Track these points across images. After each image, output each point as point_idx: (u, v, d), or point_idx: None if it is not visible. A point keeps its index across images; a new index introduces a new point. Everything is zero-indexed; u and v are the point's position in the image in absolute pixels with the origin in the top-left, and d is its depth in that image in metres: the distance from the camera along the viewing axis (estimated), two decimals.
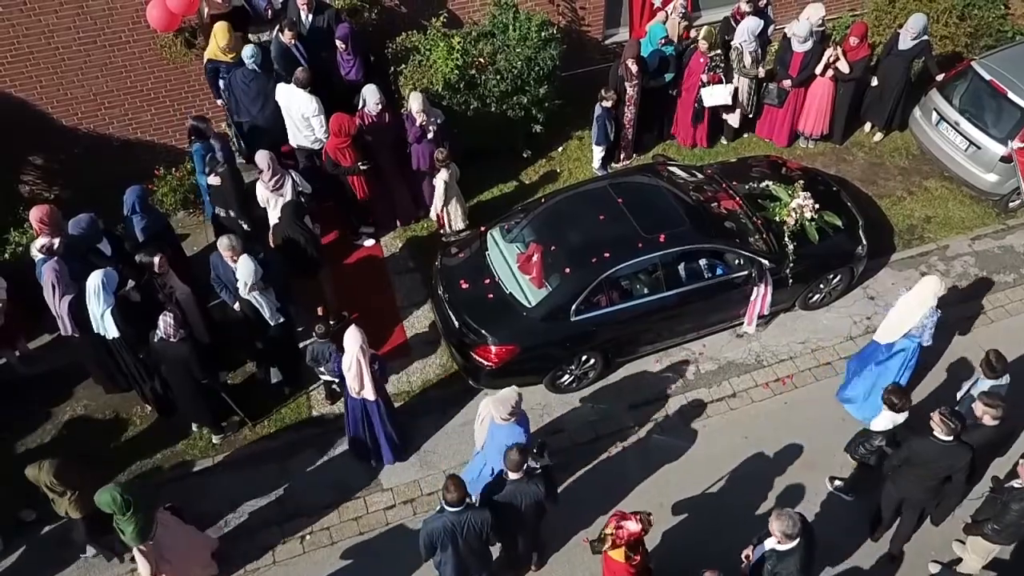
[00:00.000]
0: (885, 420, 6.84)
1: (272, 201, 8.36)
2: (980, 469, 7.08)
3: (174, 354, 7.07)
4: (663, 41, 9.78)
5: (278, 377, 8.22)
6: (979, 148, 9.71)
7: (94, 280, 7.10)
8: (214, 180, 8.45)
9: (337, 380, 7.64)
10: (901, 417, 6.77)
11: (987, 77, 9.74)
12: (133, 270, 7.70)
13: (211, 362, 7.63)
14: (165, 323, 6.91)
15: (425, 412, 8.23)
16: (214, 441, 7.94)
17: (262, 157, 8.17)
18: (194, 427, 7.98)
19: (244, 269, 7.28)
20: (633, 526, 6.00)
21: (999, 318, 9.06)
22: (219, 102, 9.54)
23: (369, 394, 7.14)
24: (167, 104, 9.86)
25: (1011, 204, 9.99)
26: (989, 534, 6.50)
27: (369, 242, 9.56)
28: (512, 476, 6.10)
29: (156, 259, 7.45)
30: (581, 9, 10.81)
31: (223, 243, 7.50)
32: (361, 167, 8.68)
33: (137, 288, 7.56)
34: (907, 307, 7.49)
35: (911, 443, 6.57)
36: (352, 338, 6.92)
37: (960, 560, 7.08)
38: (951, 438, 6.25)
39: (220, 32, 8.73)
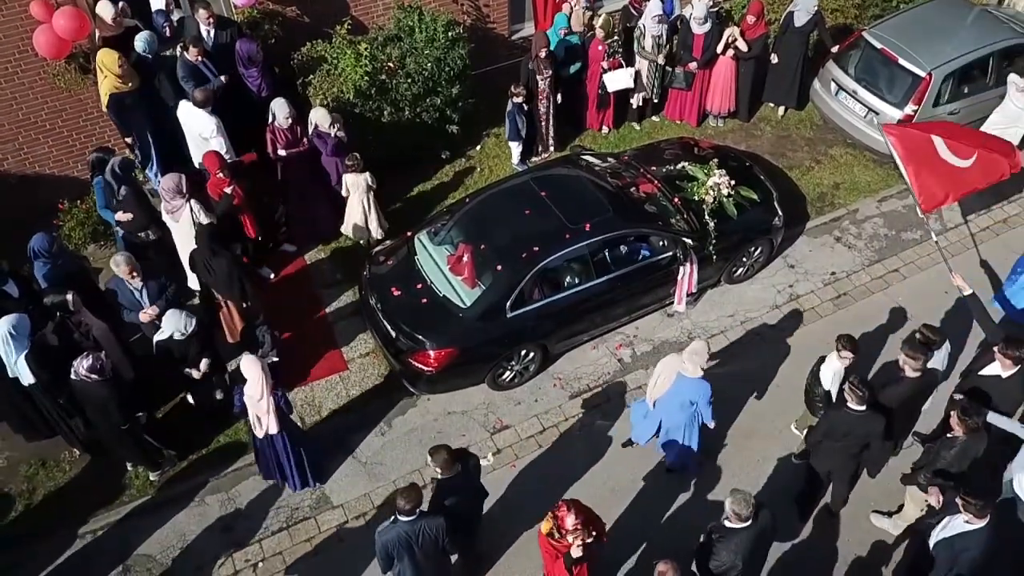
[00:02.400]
0: (831, 368, 7.04)
1: (170, 220, 8.13)
2: (908, 422, 7.37)
3: (94, 395, 6.77)
4: (564, 31, 9.89)
5: (222, 395, 7.92)
6: (877, 114, 10.14)
7: (2, 327, 6.76)
8: (123, 216, 8.16)
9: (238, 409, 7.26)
10: (842, 364, 6.94)
11: (878, 46, 10.19)
12: (45, 311, 7.35)
13: (136, 399, 7.33)
14: (83, 364, 6.60)
15: (368, 424, 8.13)
16: (151, 478, 7.66)
17: (166, 181, 7.92)
18: (129, 465, 7.68)
19: (172, 322, 7.09)
20: (570, 521, 5.92)
21: (911, 274, 9.50)
22: (127, 140, 9.17)
23: (272, 426, 6.85)
24: (65, 135, 9.45)
25: None
26: (922, 483, 6.75)
27: (271, 275, 9.28)
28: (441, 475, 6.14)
29: (68, 297, 7.13)
30: (485, 7, 10.83)
31: (118, 261, 7.21)
32: (227, 191, 8.15)
33: (53, 330, 7.22)
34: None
35: (828, 416, 6.81)
36: (252, 368, 6.59)
37: (901, 508, 7.36)
38: (863, 407, 6.44)
39: (109, 63, 8.27)
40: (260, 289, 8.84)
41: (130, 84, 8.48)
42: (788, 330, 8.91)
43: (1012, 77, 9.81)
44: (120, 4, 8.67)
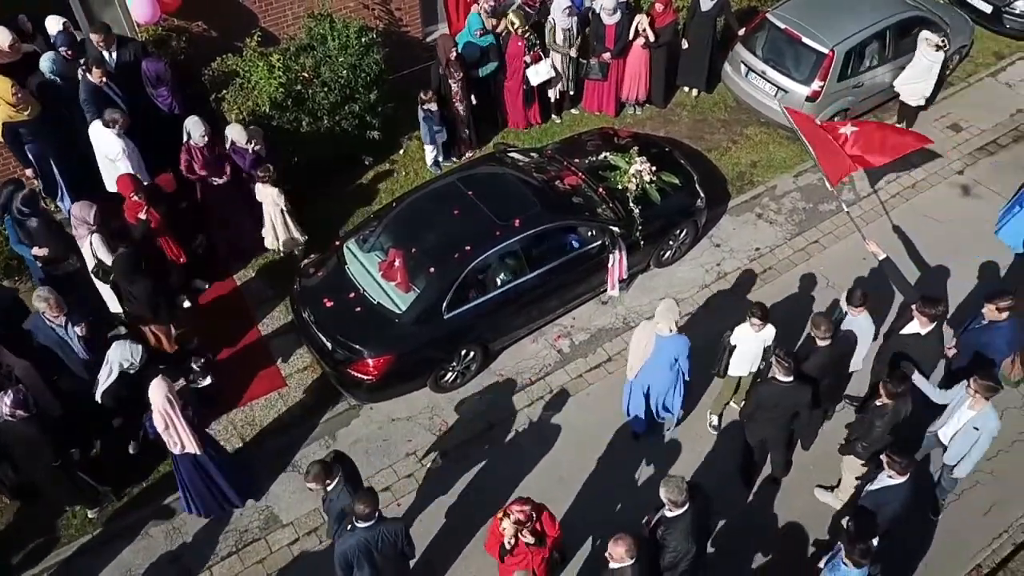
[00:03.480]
0: (742, 333, 7.25)
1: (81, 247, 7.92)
2: (835, 389, 7.64)
3: (20, 435, 6.50)
4: (480, 32, 9.92)
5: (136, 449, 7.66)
6: (787, 92, 10.48)
7: None
8: (39, 252, 7.88)
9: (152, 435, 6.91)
10: (753, 331, 7.16)
11: (782, 26, 10.52)
12: None
13: (66, 436, 7.07)
14: (4, 402, 6.32)
15: (311, 439, 8.03)
16: (90, 516, 7.41)
17: (75, 209, 7.69)
18: (66, 506, 7.42)
19: (117, 354, 6.88)
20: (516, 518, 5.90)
21: (830, 244, 9.85)
22: (28, 172, 8.82)
23: (192, 447, 6.66)
24: None
25: None
26: (860, 452, 7.02)
27: (205, 286, 9.11)
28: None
29: None
30: (397, 10, 10.78)
31: (39, 297, 6.95)
32: (142, 216, 7.88)
33: None
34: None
35: (757, 390, 7.05)
36: (156, 391, 6.37)
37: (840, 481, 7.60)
38: (790, 378, 6.67)
39: (3, 91, 7.94)
40: (189, 312, 8.67)
41: (27, 113, 8.15)
42: (719, 307, 9.15)
43: (924, 34, 10.30)
44: (21, 19, 8.31)
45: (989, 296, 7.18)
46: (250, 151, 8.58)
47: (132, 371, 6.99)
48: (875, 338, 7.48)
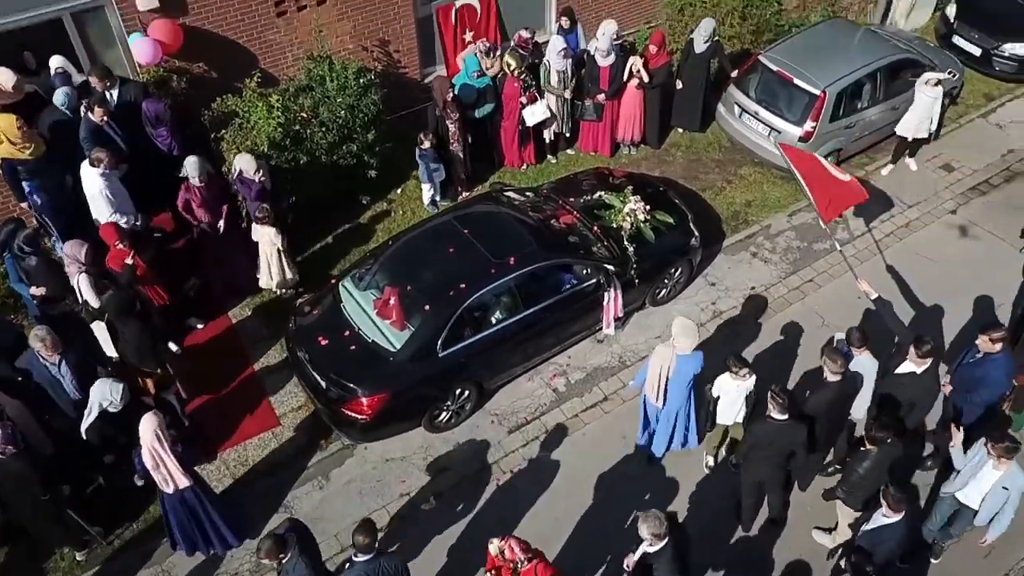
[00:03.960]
0: (724, 384, 7.21)
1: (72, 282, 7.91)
2: (834, 430, 7.51)
3: (9, 471, 6.43)
4: (477, 74, 10.06)
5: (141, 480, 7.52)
6: (780, 132, 10.60)
7: None
8: (37, 291, 7.89)
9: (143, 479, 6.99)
10: (736, 383, 7.12)
11: (774, 68, 10.69)
12: None
13: (56, 474, 6.98)
14: None
15: (305, 479, 7.96)
16: (78, 558, 7.31)
17: (67, 247, 7.68)
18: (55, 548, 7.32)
19: (98, 393, 6.81)
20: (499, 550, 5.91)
21: (825, 283, 9.88)
22: (24, 205, 8.87)
23: (182, 481, 6.61)
24: None
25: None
26: (840, 496, 6.95)
27: (200, 325, 9.13)
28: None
29: None
30: (396, 52, 10.95)
31: (36, 336, 6.92)
32: (128, 262, 7.85)
33: None
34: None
35: (751, 428, 7.00)
36: (146, 427, 6.36)
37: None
38: (785, 416, 6.63)
39: (5, 127, 8.01)
40: (178, 356, 8.63)
41: (29, 152, 8.21)
42: (715, 345, 9.14)
43: (923, 76, 10.53)
44: (27, 56, 8.38)
45: (983, 328, 7.18)
46: (256, 181, 8.65)
47: (113, 409, 6.89)
48: (880, 377, 7.45)
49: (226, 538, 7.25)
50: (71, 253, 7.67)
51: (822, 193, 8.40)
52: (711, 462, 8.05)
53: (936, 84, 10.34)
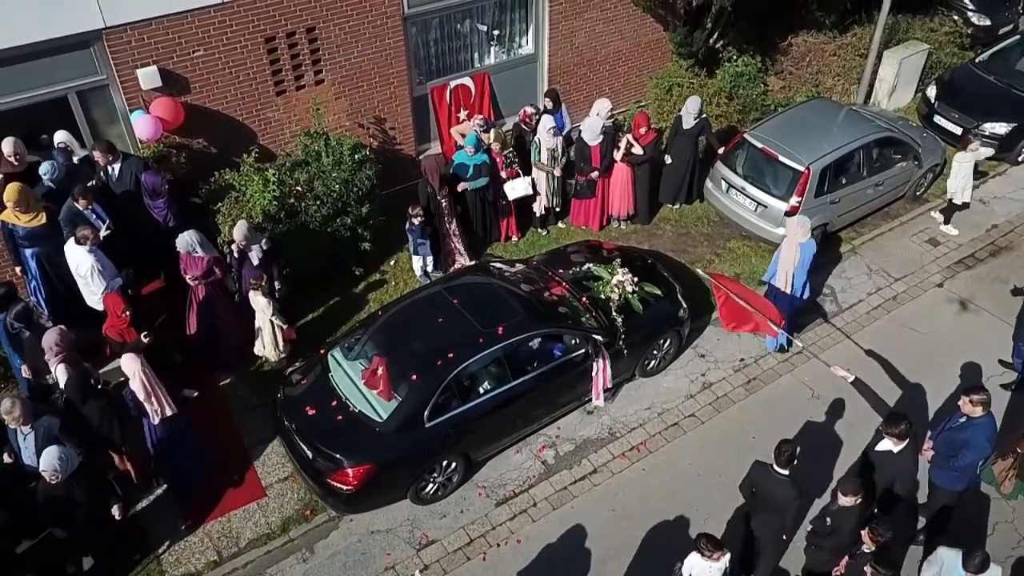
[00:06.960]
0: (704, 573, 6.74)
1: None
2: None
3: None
4: (471, 151, 10.33)
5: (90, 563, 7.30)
6: (766, 207, 10.81)
7: None
8: (27, 374, 7.97)
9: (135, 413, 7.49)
10: (707, 563, 6.58)
11: (759, 146, 10.98)
12: None
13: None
14: None
15: (289, 551, 7.84)
16: None
17: (45, 337, 7.53)
18: None
19: (44, 460, 6.60)
20: None
21: (813, 355, 9.89)
22: (17, 270, 9.03)
23: (168, 409, 7.27)
24: None
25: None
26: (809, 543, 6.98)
27: (194, 394, 9.10)
28: None
29: None
30: (391, 129, 11.27)
31: (8, 408, 6.83)
32: (144, 339, 7.91)
33: None
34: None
35: (749, 473, 7.01)
36: (131, 364, 6.87)
37: None
38: (786, 472, 6.67)
39: (10, 193, 8.23)
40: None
41: (30, 219, 8.37)
42: (705, 418, 9.12)
43: (958, 156, 11.21)
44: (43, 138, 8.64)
45: (966, 390, 7.19)
46: (259, 248, 8.83)
47: (54, 480, 6.59)
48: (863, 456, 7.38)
49: (197, 471, 7.85)
50: (46, 341, 7.50)
51: (762, 308, 8.59)
52: None
53: (970, 150, 10.99)
